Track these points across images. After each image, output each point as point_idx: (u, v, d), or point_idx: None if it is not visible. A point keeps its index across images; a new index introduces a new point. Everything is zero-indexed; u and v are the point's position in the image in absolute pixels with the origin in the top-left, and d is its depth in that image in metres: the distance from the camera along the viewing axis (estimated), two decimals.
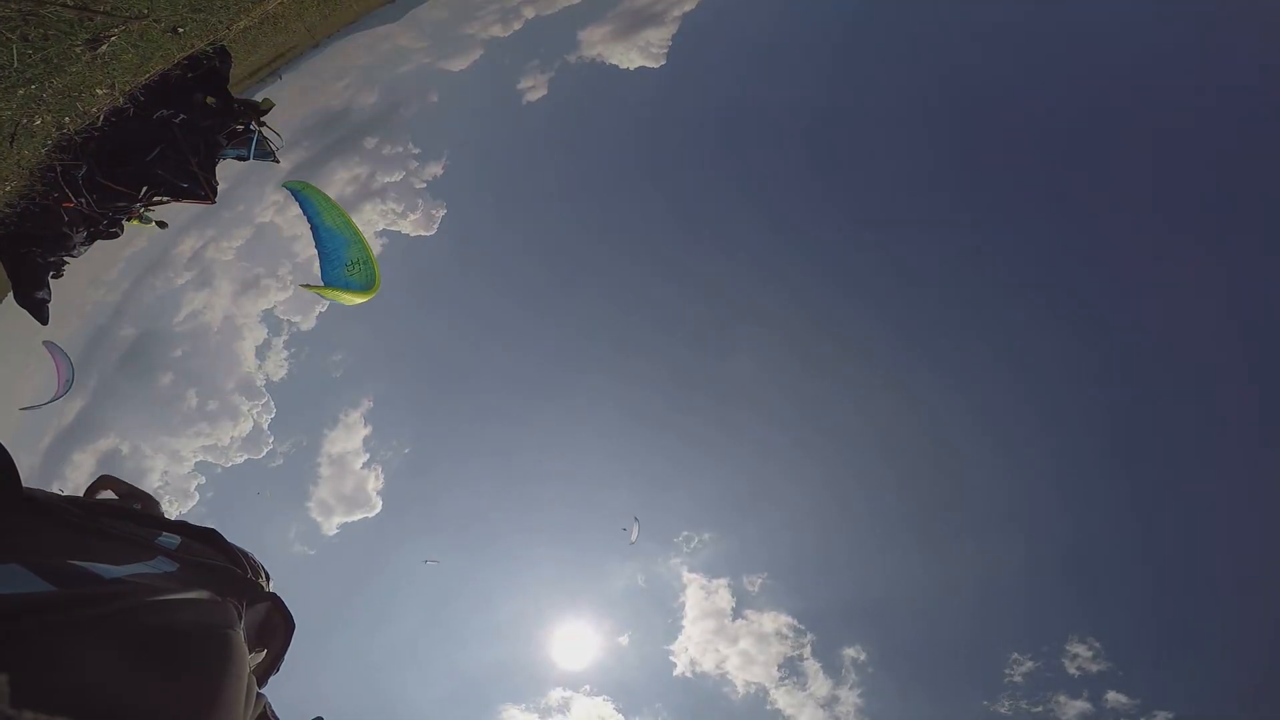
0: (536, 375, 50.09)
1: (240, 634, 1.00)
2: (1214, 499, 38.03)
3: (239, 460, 42.86)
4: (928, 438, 44.94)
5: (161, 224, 10.32)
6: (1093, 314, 41.40)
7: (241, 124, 10.87)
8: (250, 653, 1.19)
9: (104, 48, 4.92)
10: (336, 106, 45.84)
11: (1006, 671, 39.53)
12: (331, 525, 44.49)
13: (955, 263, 44.66)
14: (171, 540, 1.23)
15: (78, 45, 4.54)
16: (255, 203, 44.46)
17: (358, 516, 44.53)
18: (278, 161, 13.39)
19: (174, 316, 44.62)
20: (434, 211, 46.14)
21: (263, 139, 11.63)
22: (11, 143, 4.71)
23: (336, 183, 46.41)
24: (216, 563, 1.25)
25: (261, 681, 1.26)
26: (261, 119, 11.40)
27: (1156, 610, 37.55)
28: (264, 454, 43.16)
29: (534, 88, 48.79)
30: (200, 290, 44.52)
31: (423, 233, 46.58)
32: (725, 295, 49.40)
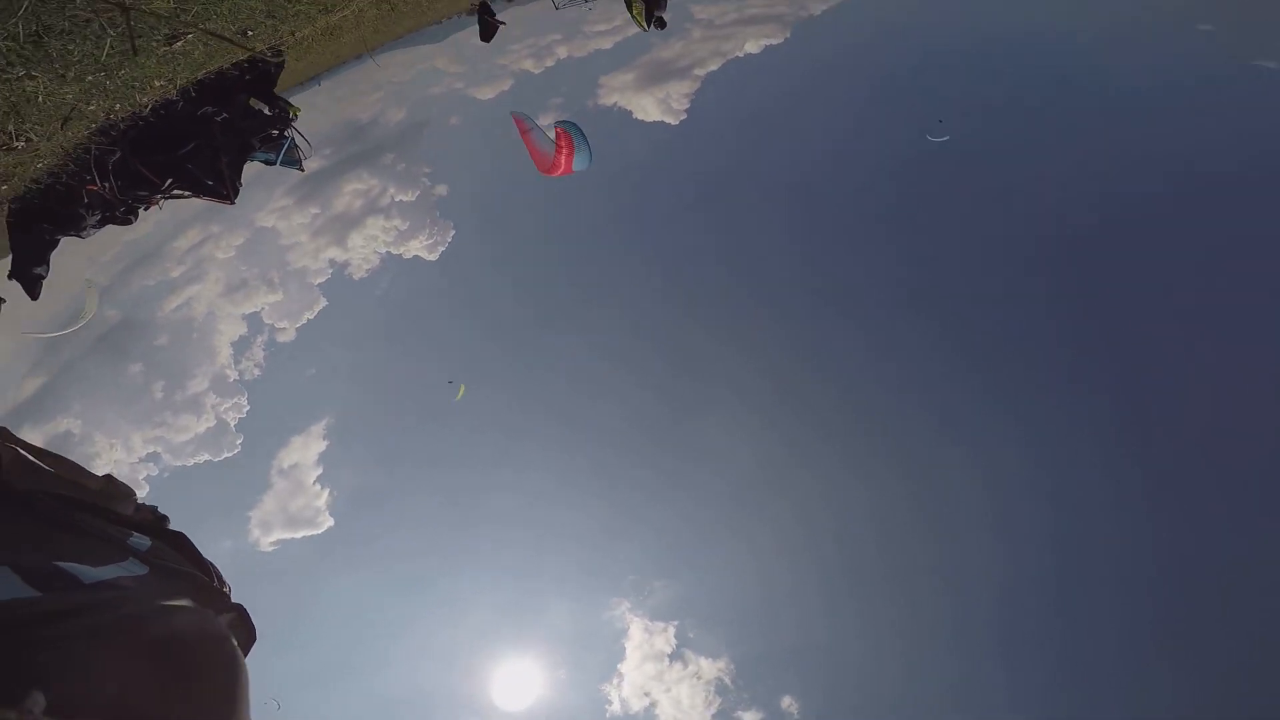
0: (503, 414, 49.20)
1: (235, 642, 0.97)
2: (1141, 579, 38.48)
3: (199, 459, 40.87)
4: (883, 505, 45.04)
5: None
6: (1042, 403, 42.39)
7: (277, 129, 10.80)
8: None
9: (179, 44, 4.80)
10: (364, 119, 45.99)
11: None
12: (268, 541, 42.25)
13: (922, 355, 45.77)
14: (143, 542, 1.20)
15: (156, 39, 4.41)
16: (261, 206, 43.84)
17: (300, 534, 42.40)
18: (302, 170, 13.31)
19: (160, 307, 43.28)
20: (439, 236, 45.93)
21: (293, 146, 11.57)
22: (63, 124, 4.51)
23: (346, 194, 46.09)
24: (184, 569, 1.23)
25: None
26: (296, 126, 11.34)
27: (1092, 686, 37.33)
28: (223, 456, 41.33)
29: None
30: (190, 285, 43.40)
31: (424, 256, 46.24)
32: (697, 354, 49.72)
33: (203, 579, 1.26)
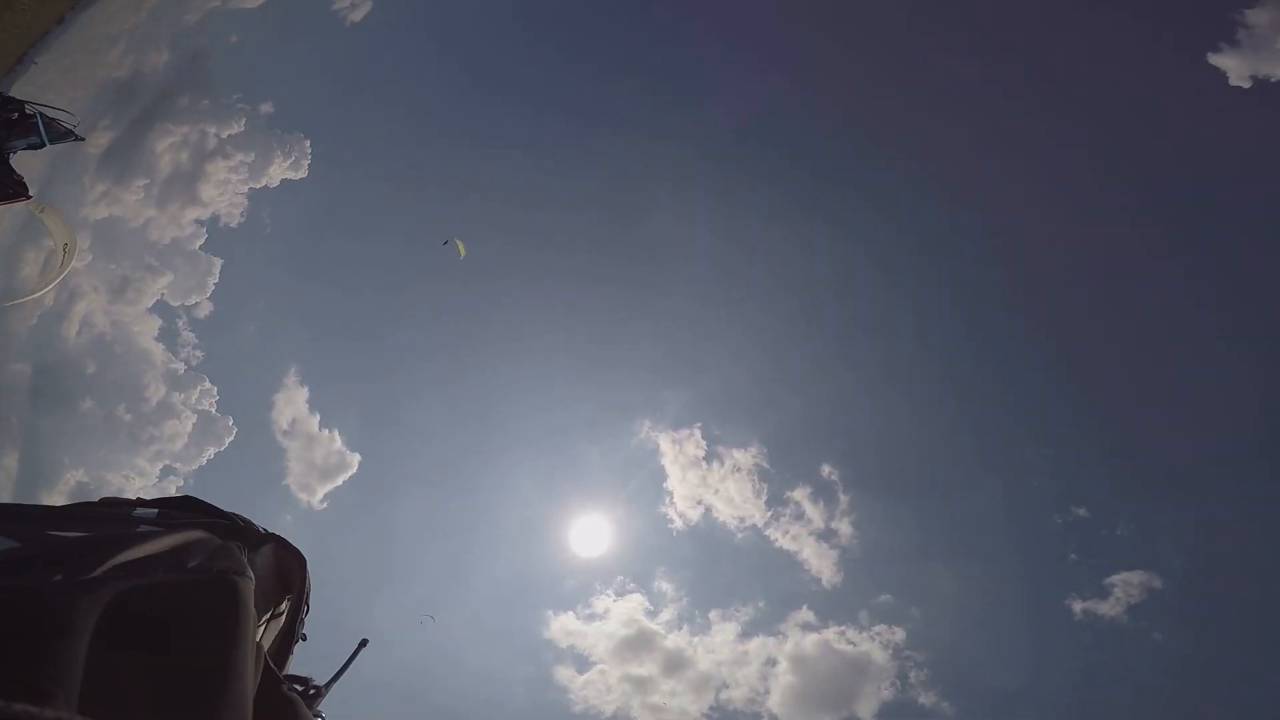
0: (444, 305, 47.23)
1: (249, 583, 0.95)
2: None
3: (208, 455, 41.23)
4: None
5: None
6: None
7: (15, 114, 10.50)
8: (280, 600, 1.28)
9: None
10: (123, 75, 39.90)
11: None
12: (318, 500, 42.95)
13: None
14: (149, 513, 1.17)
15: None
16: (81, 201, 39.29)
17: (341, 480, 43.21)
18: (83, 139, 12.98)
19: (61, 340, 40.84)
20: (297, 150, 41.96)
21: (50, 120, 11.23)
22: None
23: (164, 154, 41.33)
24: (201, 521, 1.20)
25: (294, 635, 1.32)
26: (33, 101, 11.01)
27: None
28: (226, 443, 41.57)
29: (355, 6, 43.00)
30: (72, 305, 40.24)
31: (292, 176, 42.70)
32: (630, 157, 46.36)
33: (225, 523, 1.24)
